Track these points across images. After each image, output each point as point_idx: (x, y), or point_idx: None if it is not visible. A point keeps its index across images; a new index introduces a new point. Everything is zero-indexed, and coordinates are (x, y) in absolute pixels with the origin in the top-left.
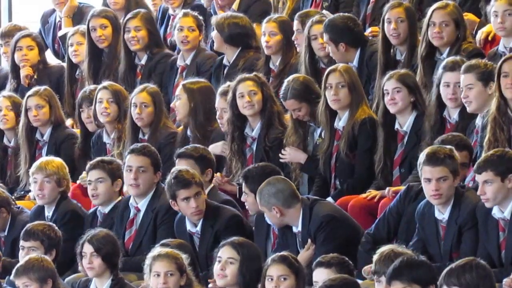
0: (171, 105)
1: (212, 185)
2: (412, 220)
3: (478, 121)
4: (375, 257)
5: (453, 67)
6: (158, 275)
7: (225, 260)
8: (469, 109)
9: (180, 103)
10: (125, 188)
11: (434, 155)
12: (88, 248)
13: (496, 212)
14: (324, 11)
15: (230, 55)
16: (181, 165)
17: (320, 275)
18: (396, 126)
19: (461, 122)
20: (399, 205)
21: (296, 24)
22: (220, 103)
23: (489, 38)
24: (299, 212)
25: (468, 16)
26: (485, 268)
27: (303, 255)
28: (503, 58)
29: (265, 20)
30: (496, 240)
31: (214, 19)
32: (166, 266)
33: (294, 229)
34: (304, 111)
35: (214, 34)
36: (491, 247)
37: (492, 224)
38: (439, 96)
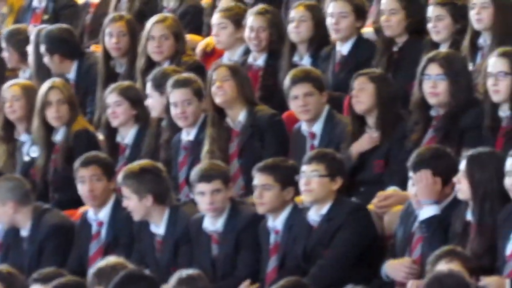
0: None
1: None
2: None
3: (185, 136)
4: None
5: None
6: None
7: None
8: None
9: None
10: None
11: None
12: None
13: (208, 226)
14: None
15: None
16: None
17: None
18: (118, 139)
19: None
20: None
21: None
22: None
23: (208, 50)
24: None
25: (191, 37)
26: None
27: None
28: (213, 67)
29: None
30: (208, 254)
31: None
32: None
33: (23, 233)
34: None
35: None
36: (204, 261)
37: (204, 238)
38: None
